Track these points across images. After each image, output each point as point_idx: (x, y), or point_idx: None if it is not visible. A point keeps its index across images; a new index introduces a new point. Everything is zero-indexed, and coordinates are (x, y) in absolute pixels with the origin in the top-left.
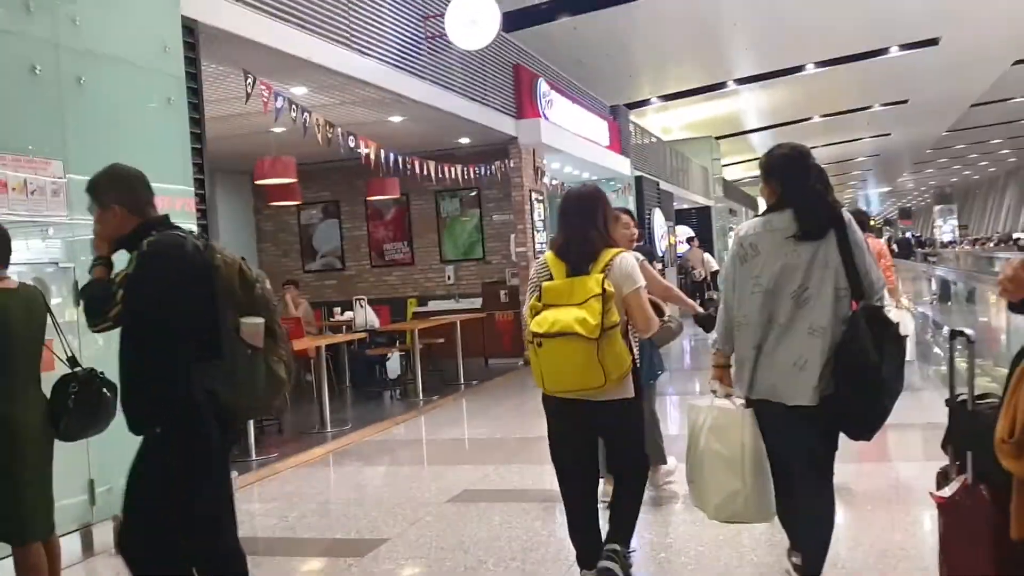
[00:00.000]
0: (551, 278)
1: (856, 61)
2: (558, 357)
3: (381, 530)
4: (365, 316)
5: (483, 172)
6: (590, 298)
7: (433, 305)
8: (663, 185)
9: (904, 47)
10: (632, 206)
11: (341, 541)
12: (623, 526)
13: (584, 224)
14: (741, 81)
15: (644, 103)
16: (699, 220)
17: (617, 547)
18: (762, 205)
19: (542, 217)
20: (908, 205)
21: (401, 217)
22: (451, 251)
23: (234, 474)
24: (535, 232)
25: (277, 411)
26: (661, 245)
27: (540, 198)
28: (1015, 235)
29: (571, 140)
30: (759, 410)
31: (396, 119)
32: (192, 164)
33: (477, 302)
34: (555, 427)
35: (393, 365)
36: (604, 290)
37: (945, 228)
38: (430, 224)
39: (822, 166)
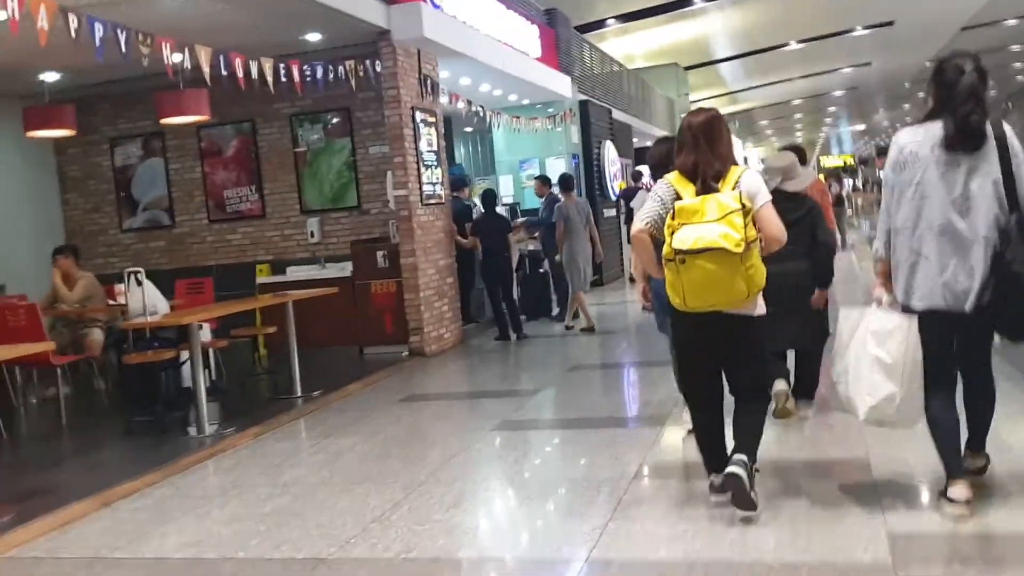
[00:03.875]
0: (677, 198)
1: None
2: (703, 273)
3: None
4: (143, 298)
5: (324, 77)
6: (729, 213)
7: (293, 272)
8: (617, 115)
9: None
10: (576, 137)
11: None
12: (747, 440)
13: (711, 144)
14: None
15: (600, 24)
16: None
17: (744, 457)
18: None
19: (433, 147)
20: (884, 144)
21: (245, 152)
22: (314, 198)
23: None
24: (423, 167)
25: None
26: (614, 186)
27: (431, 120)
28: None
29: (477, 40)
30: (920, 316)
31: None
32: None
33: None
34: (689, 344)
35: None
36: (743, 204)
37: None
38: (285, 161)
39: (980, 76)
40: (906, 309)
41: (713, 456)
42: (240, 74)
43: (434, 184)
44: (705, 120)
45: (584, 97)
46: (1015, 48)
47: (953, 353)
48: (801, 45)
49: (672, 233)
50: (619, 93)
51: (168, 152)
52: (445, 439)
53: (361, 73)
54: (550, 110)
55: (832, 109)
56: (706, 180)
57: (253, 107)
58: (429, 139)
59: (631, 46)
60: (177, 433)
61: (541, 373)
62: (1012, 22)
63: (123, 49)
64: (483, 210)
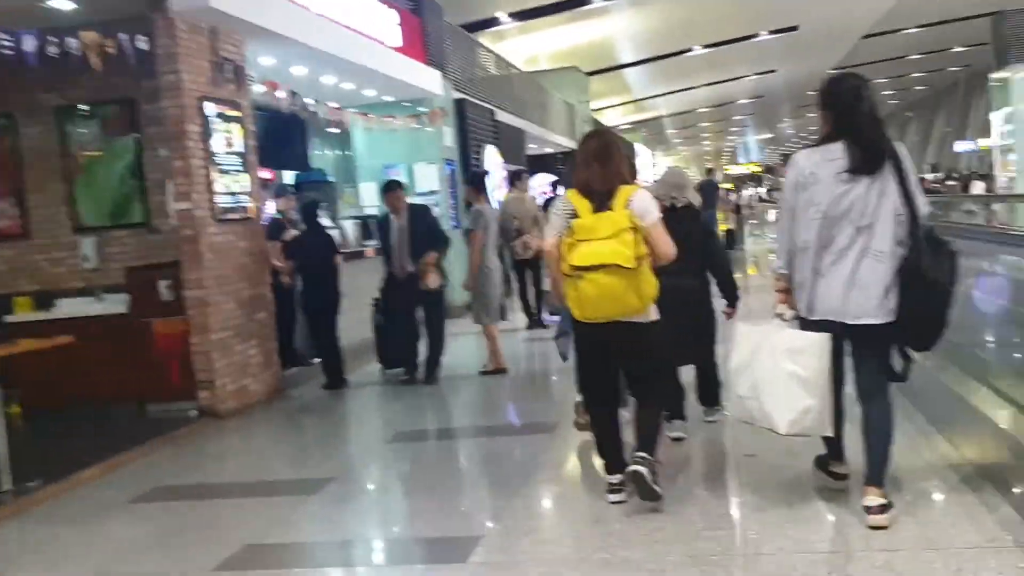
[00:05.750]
0: (575, 215)
1: None
2: (598, 287)
3: None
4: None
5: (39, 51)
6: (621, 231)
7: (62, 307)
8: (503, 116)
9: None
10: (450, 139)
11: None
12: (647, 439)
13: (604, 163)
14: None
15: (493, 22)
16: (568, 168)
17: (644, 454)
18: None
19: (236, 147)
20: (789, 152)
21: (3, 155)
22: (91, 212)
23: None
24: (216, 173)
25: None
26: (497, 196)
27: (232, 113)
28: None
29: (292, 17)
30: (818, 330)
31: None
32: None
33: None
34: (589, 351)
35: None
36: (634, 224)
37: None
38: (52, 166)
39: (873, 98)
40: (806, 323)
41: (611, 456)
42: None
43: (235, 195)
44: (596, 141)
45: (460, 95)
46: (914, 57)
47: (851, 368)
48: (706, 50)
49: (570, 249)
50: (507, 94)
51: None
52: None
53: (111, 49)
54: (420, 108)
55: (738, 118)
56: (599, 199)
57: (11, 97)
58: (228, 137)
59: (533, 47)
60: None
61: (352, 445)
62: (912, 31)
63: None
64: (304, 225)
